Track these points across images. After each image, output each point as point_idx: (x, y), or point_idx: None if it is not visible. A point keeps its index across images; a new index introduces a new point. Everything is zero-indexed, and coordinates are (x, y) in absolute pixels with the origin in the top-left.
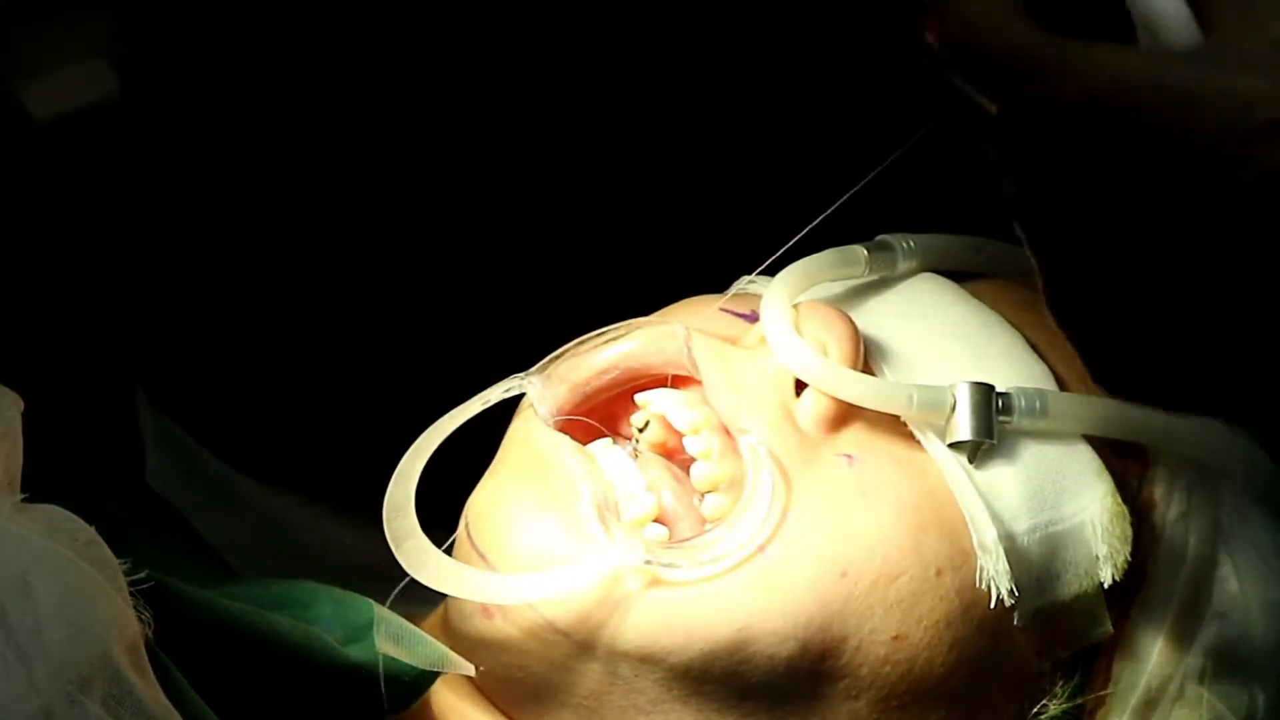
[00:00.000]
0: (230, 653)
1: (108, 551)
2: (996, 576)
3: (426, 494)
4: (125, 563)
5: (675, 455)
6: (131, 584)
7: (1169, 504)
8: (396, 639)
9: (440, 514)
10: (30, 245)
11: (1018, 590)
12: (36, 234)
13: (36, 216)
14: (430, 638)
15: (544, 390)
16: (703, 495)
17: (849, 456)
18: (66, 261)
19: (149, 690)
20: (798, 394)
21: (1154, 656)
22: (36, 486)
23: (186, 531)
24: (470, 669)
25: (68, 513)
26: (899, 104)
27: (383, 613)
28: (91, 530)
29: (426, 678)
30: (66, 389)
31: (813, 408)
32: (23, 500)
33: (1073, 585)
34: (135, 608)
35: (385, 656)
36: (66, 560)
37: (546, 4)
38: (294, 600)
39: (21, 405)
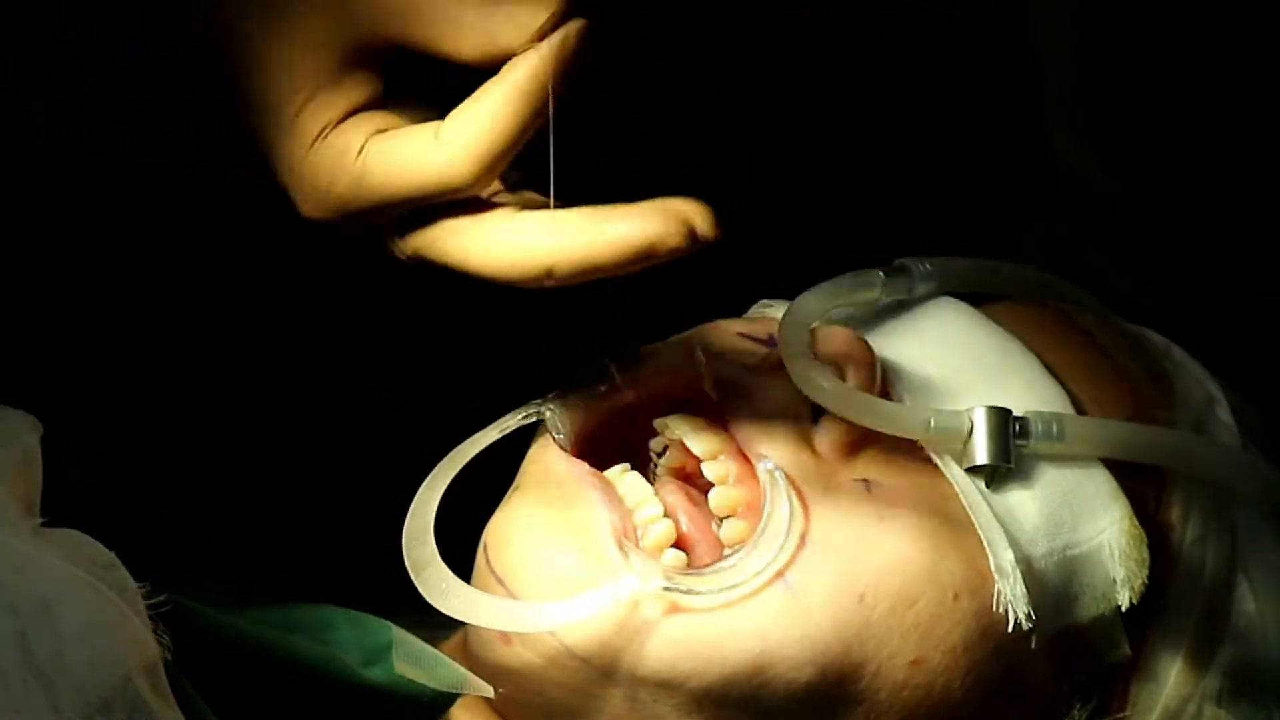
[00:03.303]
0: (250, 675)
1: (127, 575)
2: (1014, 600)
3: (444, 521)
4: (145, 586)
5: (693, 480)
6: (151, 607)
7: (1186, 526)
8: (415, 661)
9: (459, 541)
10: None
11: (1035, 614)
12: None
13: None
14: (449, 660)
15: (561, 416)
16: (721, 520)
17: (866, 481)
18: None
19: (169, 714)
20: (815, 419)
21: (1172, 678)
22: (56, 511)
23: (203, 556)
24: (489, 691)
25: (87, 537)
26: (904, 117)
27: (402, 635)
28: (111, 554)
29: (445, 700)
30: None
31: (830, 433)
32: (42, 524)
33: (1090, 608)
34: (155, 631)
35: (404, 678)
36: (87, 584)
37: None
38: (313, 623)
39: (41, 429)
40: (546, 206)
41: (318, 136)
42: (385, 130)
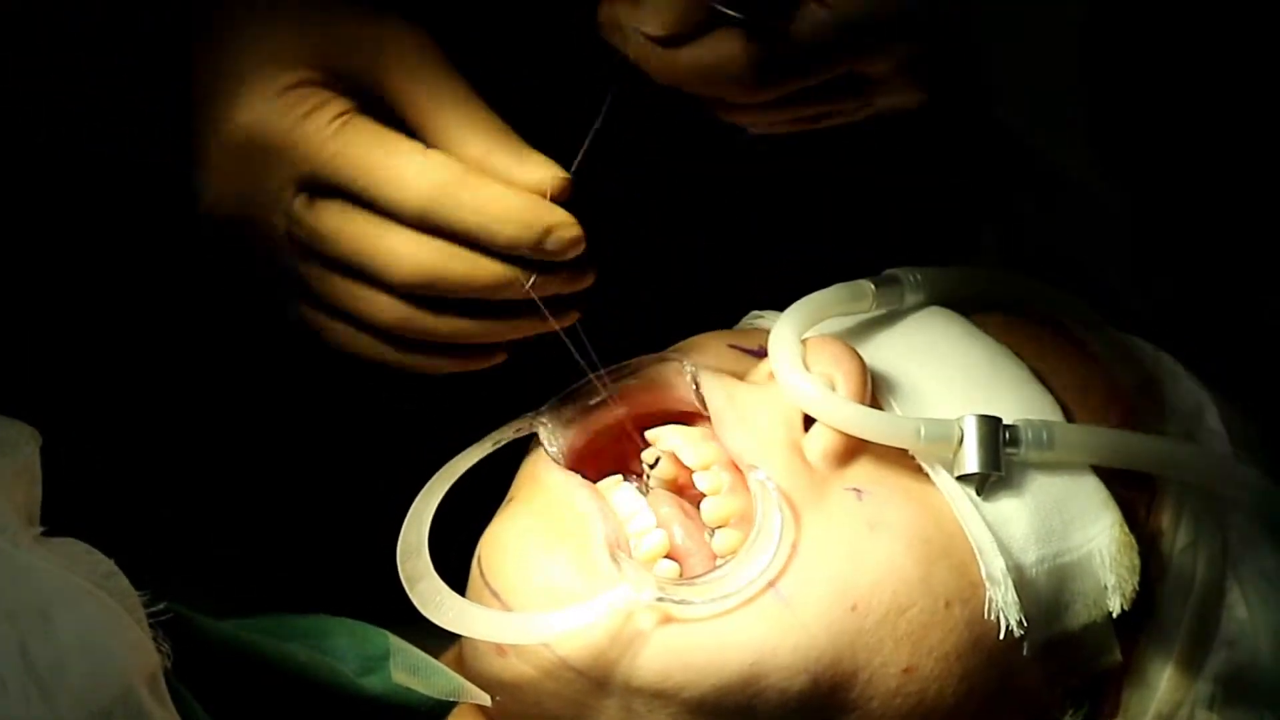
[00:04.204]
0: (248, 684)
1: (127, 583)
2: (1005, 608)
3: (438, 534)
4: (144, 594)
5: (686, 491)
6: (151, 616)
7: (1176, 532)
8: (412, 670)
9: (453, 554)
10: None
11: (1027, 621)
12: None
13: None
14: (446, 668)
15: (554, 429)
16: (713, 531)
17: (858, 490)
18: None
19: None
20: (806, 429)
21: (1163, 684)
22: (56, 520)
23: (202, 565)
24: (486, 699)
25: (87, 545)
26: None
27: (399, 644)
28: (110, 563)
29: (442, 708)
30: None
31: (821, 442)
32: (42, 533)
33: (1081, 615)
34: (155, 639)
35: (401, 687)
36: (86, 593)
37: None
38: (310, 632)
39: (40, 440)
40: None
41: (313, 110)
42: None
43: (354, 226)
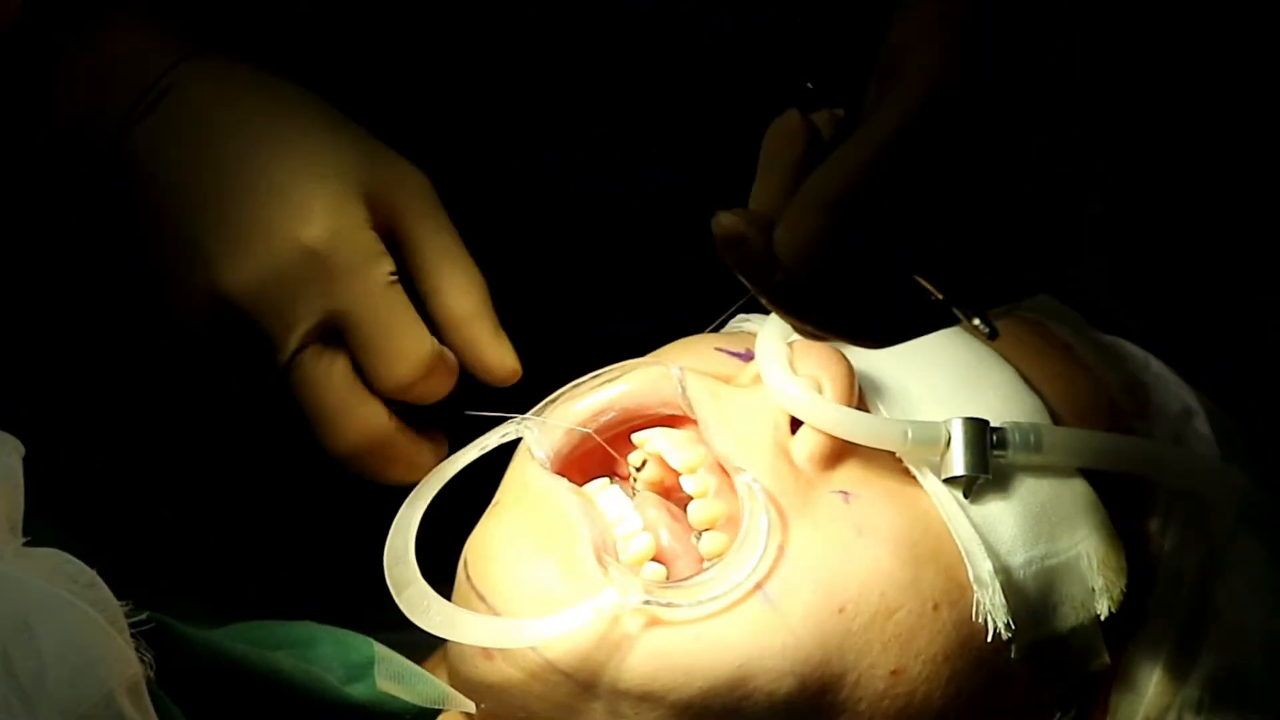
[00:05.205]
0: (232, 693)
1: (109, 594)
2: (993, 610)
3: (425, 540)
4: (126, 604)
5: (672, 494)
6: (133, 625)
7: (1164, 536)
8: (397, 677)
9: (439, 558)
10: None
11: (1014, 623)
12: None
13: None
14: (431, 676)
15: (541, 433)
16: (700, 533)
17: (845, 493)
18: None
19: None
20: (793, 432)
21: (1151, 687)
22: (38, 530)
23: (185, 573)
24: (471, 706)
25: (69, 556)
26: None
27: (383, 651)
28: (93, 573)
29: (427, 715)
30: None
31: (808, 445)
32: (24, 544)
33: (1069, 618)
34: (137, 649)
35: (386, 695)
36: (68, 603)
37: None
38: (294, 640)
39: (23, 450)
40: None
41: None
42: None
43: (331, 387)
